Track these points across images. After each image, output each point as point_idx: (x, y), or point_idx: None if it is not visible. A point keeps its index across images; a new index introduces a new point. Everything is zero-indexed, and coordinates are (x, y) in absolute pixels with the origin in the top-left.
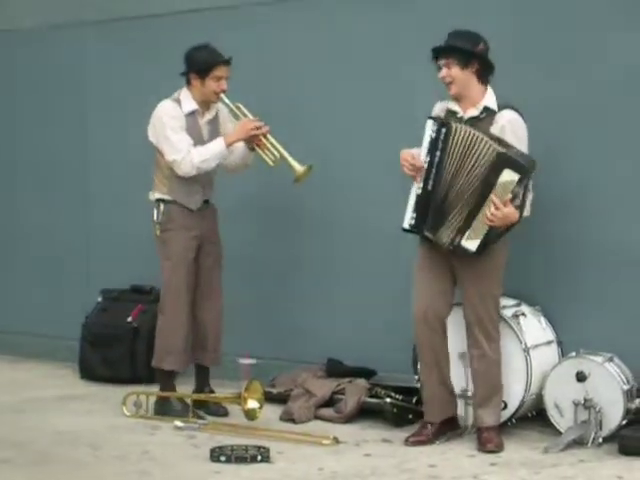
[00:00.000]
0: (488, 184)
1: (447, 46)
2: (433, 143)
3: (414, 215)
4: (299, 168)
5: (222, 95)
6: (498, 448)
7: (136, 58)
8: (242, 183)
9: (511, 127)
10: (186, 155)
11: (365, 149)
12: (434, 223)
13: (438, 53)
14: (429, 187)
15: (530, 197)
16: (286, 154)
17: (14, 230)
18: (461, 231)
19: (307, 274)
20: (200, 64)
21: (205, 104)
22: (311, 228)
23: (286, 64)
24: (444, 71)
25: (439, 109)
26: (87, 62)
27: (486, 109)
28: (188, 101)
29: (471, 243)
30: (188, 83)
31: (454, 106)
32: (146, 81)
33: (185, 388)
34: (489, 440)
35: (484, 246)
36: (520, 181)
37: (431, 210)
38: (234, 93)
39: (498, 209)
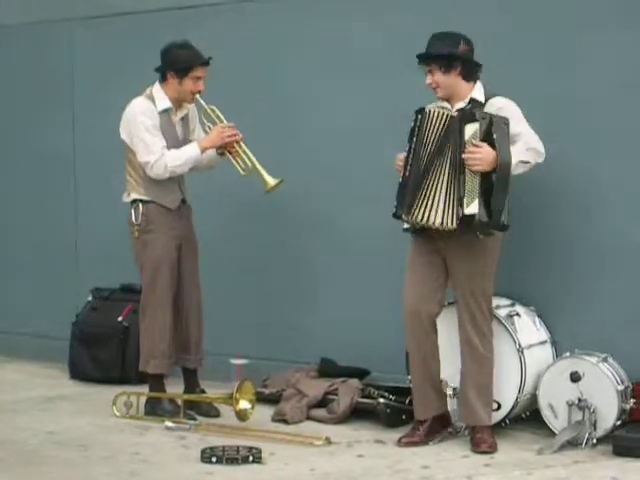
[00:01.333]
0: (459, 145)
1: (425, 54)
2: (411, 131)
3: (395, 203)
4: (270, 181)
5: (197, 96)
6: (492, 449)
7: (126, 54)
8: (236, 180)
9: (507, 108)
10: (160, 158)
11: (360, 148)
12: (411, 202)
13: (421, 60)
14: (407, 173)
15: (512, 148)
16: (258, 165)
17: (2, 229)
18: (459, 202)
19: (300, 274)
20: (180, 63)
21: (178, 102)
22: (306, 228)
23: (276, 63)
24: (429, 77)
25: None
26: (75, 58)
27: (472, 100)
28: (162, 98)
29: (472, 207)
30: (163, 79)
31: (444, 104)
32: (136, 77)
33: (176, 389)
34: (483, 441)
35: (489, 209)
36: (481, 126)
37: (409, 192)
38: (224, 93)
39: (473, 152)
